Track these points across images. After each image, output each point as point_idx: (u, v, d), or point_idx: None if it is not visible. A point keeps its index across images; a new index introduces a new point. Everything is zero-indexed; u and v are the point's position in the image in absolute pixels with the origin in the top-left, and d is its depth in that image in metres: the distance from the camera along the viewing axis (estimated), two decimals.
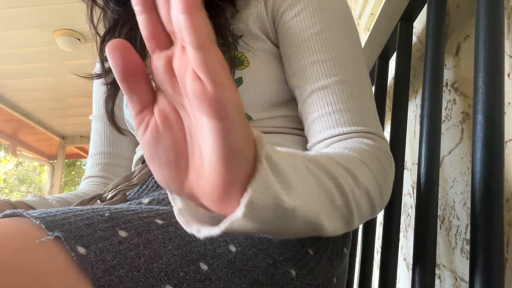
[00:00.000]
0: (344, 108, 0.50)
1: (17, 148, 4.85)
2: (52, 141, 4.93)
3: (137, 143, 0.76)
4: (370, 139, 0.49)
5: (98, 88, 0.80)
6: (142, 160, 0.67)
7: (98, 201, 0.57)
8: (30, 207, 0.61)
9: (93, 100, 0.81)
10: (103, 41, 0.64)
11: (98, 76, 0.67)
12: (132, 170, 0.69)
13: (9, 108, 3.81)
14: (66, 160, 6.09)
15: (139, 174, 0.59)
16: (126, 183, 0.59)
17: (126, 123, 0.72)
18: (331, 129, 0.50)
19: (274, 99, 0.57)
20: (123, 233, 0.34)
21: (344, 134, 0.49)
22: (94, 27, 0.65)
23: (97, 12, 0.66)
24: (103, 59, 0.65)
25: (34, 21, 2.52)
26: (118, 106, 0.75)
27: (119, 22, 0.62)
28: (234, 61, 0.55)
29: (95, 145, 0.78)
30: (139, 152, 0.67)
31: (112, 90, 0.69)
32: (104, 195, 0.58)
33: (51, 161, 5.46)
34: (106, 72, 0.65)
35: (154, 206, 0.43)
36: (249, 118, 0.56)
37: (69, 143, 4.92)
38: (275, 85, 0.57)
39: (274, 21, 0.57)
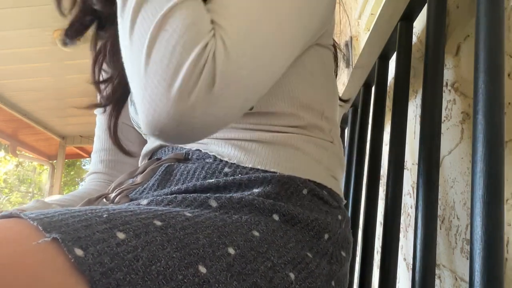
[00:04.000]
0: (213, 8, 0.44)
1: (17, 148, 4.85)
2: (52, 141, 4.93)
3: (143, 141, 0.77)
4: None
5: None
6: (149, 156, 0.67)
7: (104, 199, 0.57)
8: None
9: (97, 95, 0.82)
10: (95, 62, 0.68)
11: (95, 105, 0.68)
12: (139, 165, 0.69)
13: (9, 108, 3.81)
14: (66, 160, 6.09)
15: (143, 173, 0.59)
16: (130, 182, 0.59)
17: (132, 120, 0.72)
18: None
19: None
20: (121, 235, 0.34)
21: None
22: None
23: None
24: (98, 81, 0.67)
25: (34, 21, 2.52)
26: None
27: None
28: None
29: (99, 140, 0.78)
30: (146, 147, 0.67)
31: (114, 113, 0.70)
32: (110, 194, 0.58)
33: (51, 161, 5.46)
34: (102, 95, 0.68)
35: (152, 207, 0.42)
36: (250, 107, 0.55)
37: (69, 143, 4.92)
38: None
39: None
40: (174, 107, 0.38)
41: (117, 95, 0.66)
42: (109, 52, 0.65)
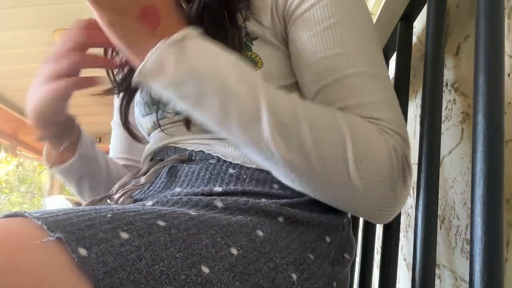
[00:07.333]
0: (355, 104, 0.49)
1: (17, 148, 4.85)
2: None
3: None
4: (379, 125, 0.48)
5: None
6: (150, 158, 0.66)
7: (108, 200, 0.57)
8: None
9: (114, 105, 0.82)
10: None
11: (108, 90, 0.68)
12: (141, 166, 0.69)
13: (9, 108, 3.81)
14: None
15: (147, 174, 0.58)
16: (133, 183, 0.59)
17: (136, 121, 0.71)
18: None
19: None
20: (124, 235, 0.34)
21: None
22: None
23: None
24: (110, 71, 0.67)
25: (34, 21, 2.52)
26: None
27: None
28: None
29: (113, 149, 0.82)
30: (147, 148, 0.67)
31: (126, 98, 0.69)
32: (114, 195, 0.58)
33: None
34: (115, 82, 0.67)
35: (156, 207, 0.42)
36: None
37: None
38: (287, 88, 0.56)
39: (284, 19, 0.56)
40: (403, 200, 0.49)
41: (129, 81, 0.65)
42: None
